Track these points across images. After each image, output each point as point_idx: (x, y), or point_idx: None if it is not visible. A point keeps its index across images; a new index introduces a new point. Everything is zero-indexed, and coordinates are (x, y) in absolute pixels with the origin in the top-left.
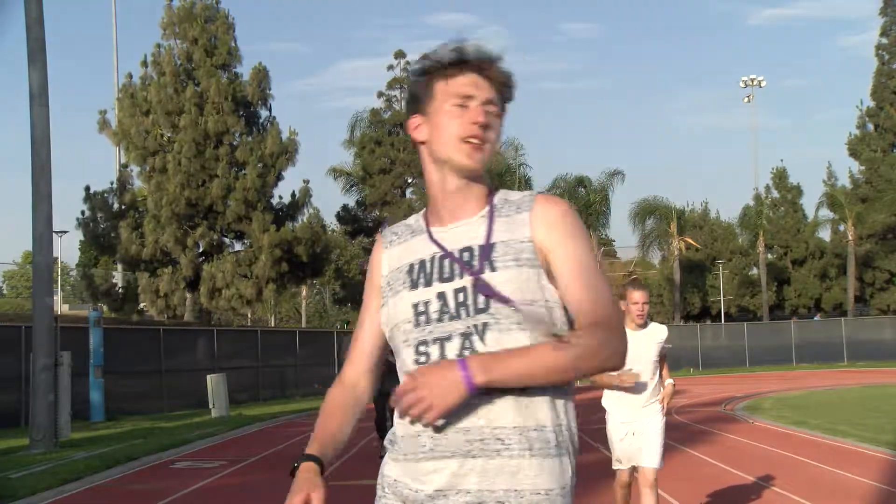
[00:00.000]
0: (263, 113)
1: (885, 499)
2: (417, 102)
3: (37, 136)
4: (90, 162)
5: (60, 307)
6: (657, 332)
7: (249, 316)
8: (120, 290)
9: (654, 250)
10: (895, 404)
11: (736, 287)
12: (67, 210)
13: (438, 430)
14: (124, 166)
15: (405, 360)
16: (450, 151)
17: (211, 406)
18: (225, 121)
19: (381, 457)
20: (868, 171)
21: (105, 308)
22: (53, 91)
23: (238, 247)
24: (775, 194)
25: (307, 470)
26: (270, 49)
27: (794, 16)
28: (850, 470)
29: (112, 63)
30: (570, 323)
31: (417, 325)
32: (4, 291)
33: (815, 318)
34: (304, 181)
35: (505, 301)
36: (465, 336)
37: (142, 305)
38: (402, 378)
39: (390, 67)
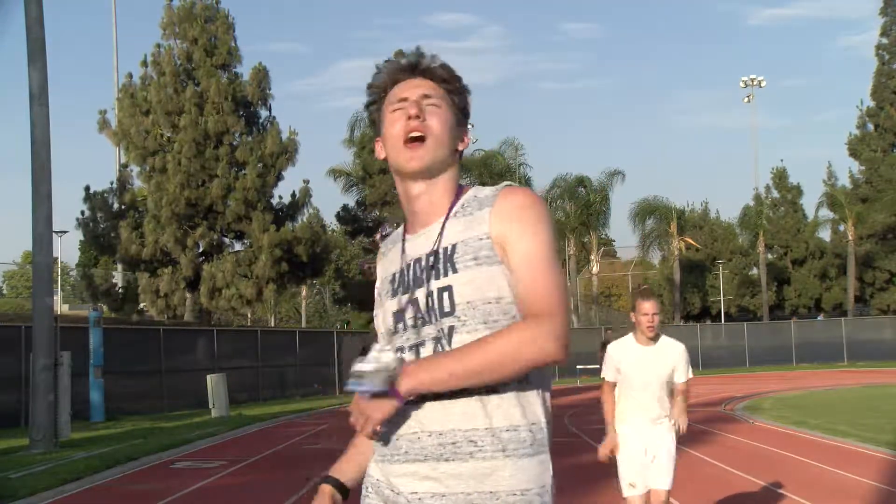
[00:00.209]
0: (263, 113)
1: (885, 499)
2: (377, 127)
3: (37, 136)
4: (90, 162)
5: (60, 307)
6: (670, 350)
7: (249, 316)
8: (120, 290)
9: (654, 250)
10: (895, 404)
11: (736, 287)
12: (67, 210)
13: (384, 438)
14: (124, 166)
15: None
16: (395, 159)
17: (211, 406)
18: (225, 121)
19: None
20: (868, 171)
21: (105, 308)
22: (53, 91)
23: (238, 247)
24: (775, 194)
25: (322, 496)
26: (270, 49)
27: (794, 16)
28: (850, 470)
29: (112, 63)
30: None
31: (396, 332)
32: (4, 291)
33: (818, 318)
34: (304, 181)
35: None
36: (437, 340)
37: (142, 305)
38: None
39: None
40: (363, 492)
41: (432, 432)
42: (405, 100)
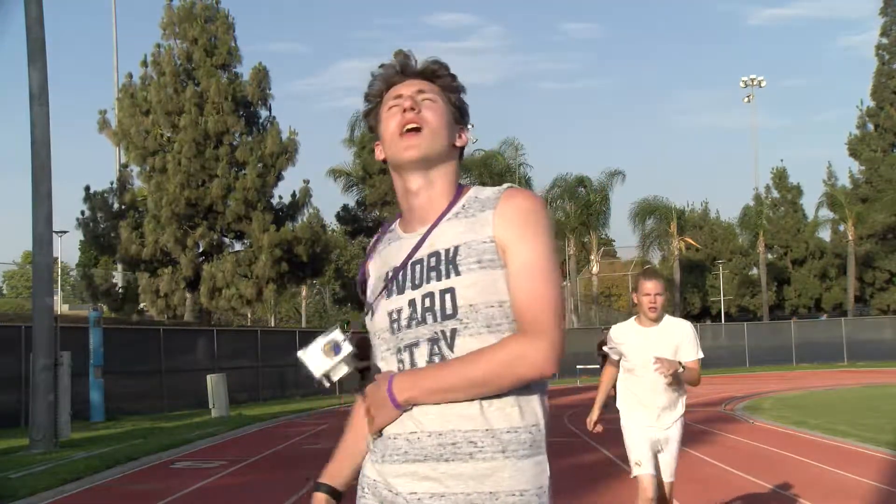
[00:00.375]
0: (263, 113)
1: (885, 499)
2: (375, 133)
3: (37, 136)
4: (90, 162)
5: (60, 307)
6: (675, 329)
7: (249, 316)
8: (120, 290)
9: (654, 250)
10: (895, 404)
11: (736, 287)
12: (67, 210)
13: (380, 437)
14: (124, 166)
15: (390, 368)
16: (392, 151)
17: (211, 406)
18: (225, 121)
19: None
20: (868, 171)
21: (105, 308)
22: (53, 91)
23: (238, 247)
24: (775, 194)
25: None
26: (270, 49)
27: (794, 16)
28: (850, 470)
29: (112, 63)
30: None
31: (392, 332)
32: (4, 291)
33: (822, 318)
34: (304, 181)
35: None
36: (433, 342)
37: (142, 305)
38: None
39: None
40: (359, 492)
41: (432, 432)
42: (400, 97)
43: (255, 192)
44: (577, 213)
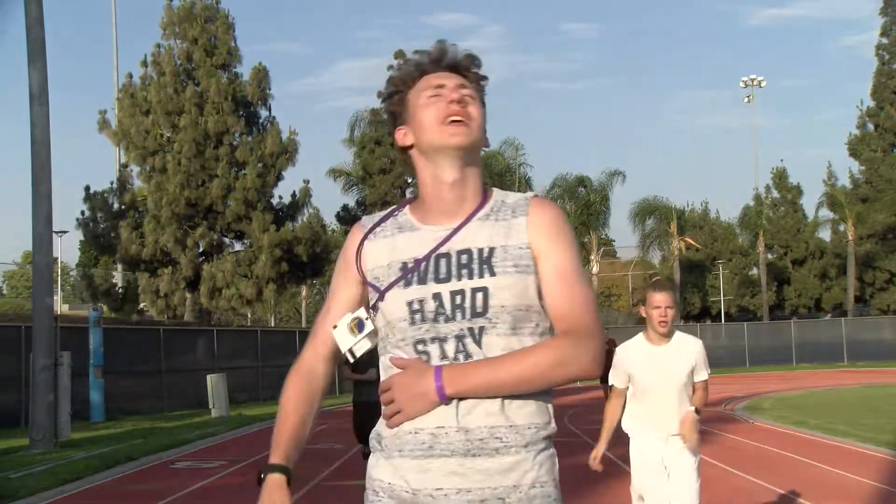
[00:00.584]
0: (263, 113)
1: (885, 499)
2: (397, 118)
3: (37, 136)
4: (90, 162)
5: (60, 307)
6: (686, 346)
7: (249, 316)
8: (120, 290)
9: (654, 250)
10: (895, 404)
11: (736, 287)
12: (67, 210)
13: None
14: (124, 166)
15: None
16: (435, 137)
17: (211, 406)
18: (225, 121)
19: (366, 455)
20: (868, 171)
21: (105, 308)
22: (53, 91)
23: (238, 247)
24: (775, 194)
25: (274, 487)
26: (270, 49)
27: (794, 16)
28: (850, 470)
29: (112, 63)
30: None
31: (413, 323)
32: (4, 291)
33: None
34: (304, 181)
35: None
36: (459, 339)
37: (142, 305)
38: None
39: (390, 67)
40: (370, 497)
41: (460, 428)
42: (442, 86)
43: (255, 192)
44: (577, 213)
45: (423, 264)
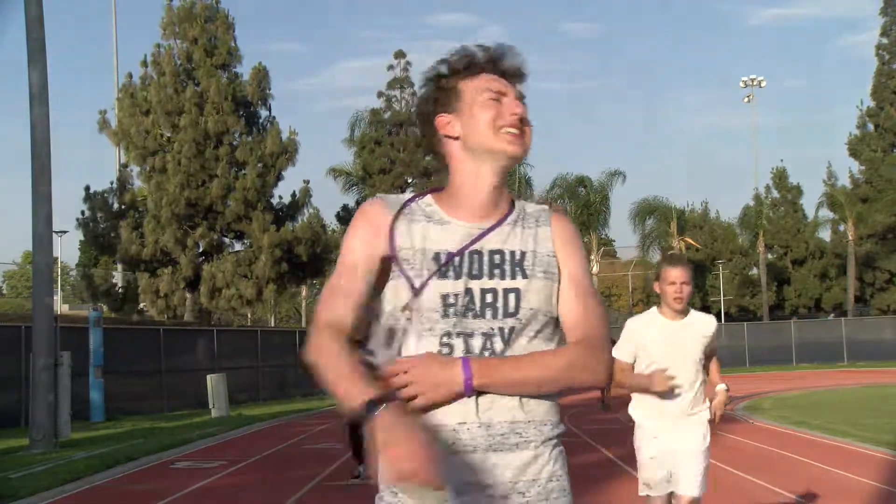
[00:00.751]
0: (263, 113)
1: (885, 499)
2: (441, 102)
3: (37, 136)
4: (90, 162)
5: (60, 307)
6: (702, 324)
7: (249, 316)
8: (120, 290)
9: (654, 250)
10: (895, 404)
11: (736, 287)
12: (67, 210)
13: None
14: (124, 166)
15: (424, 348)
16: (491, 141)
17: (211, 406)
18: (225, 121)
19: (356, 477)
20: (868, 171)
21: (105, 308)
22: (53, 91)
23: (238, 247)
24: (775, 194)
25: (400, 411)
26: (270, 49)
27: (794, 16)
28: (850, 470)
29: (112, 63)
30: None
31: (445, 315)
32: (4, 291)
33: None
34: (304, 181)
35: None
36: (487, 336)
37: (142, 305)
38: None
39: (390, 67)
40: (386, 497)
41: (481, 423)
42: (504, 94)
43: (255, 192)
44: (577, 213)
45: (456, 258)
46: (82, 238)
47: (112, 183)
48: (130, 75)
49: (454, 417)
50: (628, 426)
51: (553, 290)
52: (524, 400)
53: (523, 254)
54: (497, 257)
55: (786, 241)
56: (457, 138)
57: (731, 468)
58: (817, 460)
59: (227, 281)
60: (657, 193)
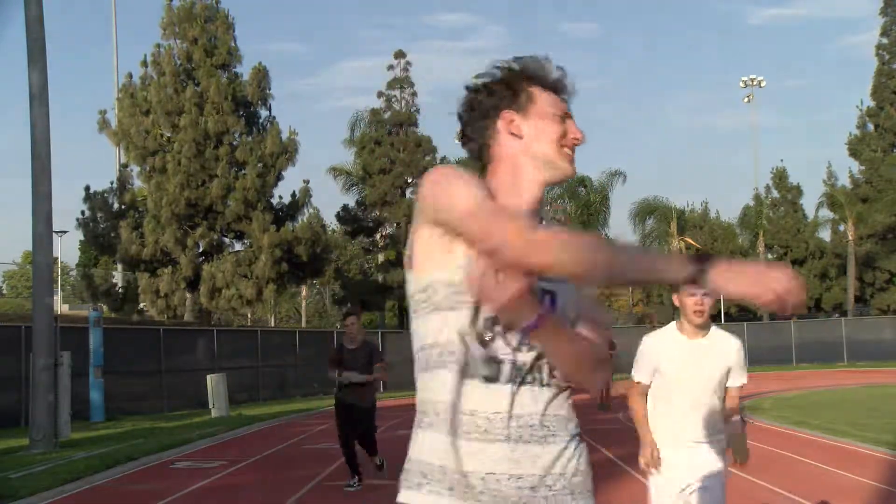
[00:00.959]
0: (263, 113)
1: (885, 499)
2: (511, 100)
3: (37, 136)
4: (90, 162)
5: (60, 307)
6: (724, 345)
7: (249, 316)
8: (120, 290)
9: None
10: (895, 404)
11: None
12: (67, 210)
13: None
14: (124, 166)
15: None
16: (554, 155)
17: (211, 406)
18: (225, 121)
19: (350, 486)
20: (868, 171)
21: (105, 308)
22: (53, 91)
23: (238, 247)
24: (775, 194)
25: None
26: (270, 49)
27: (794, 16)
28: (850, 470)
29: (112, 63)
30: None
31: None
32: (4, 291)
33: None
34: (304, 181)
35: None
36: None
37: (142, 305)
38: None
39: (390, 67)
40: (414, 480)
41: (513, 415)
42: (570, 118)
43: (255, 192)
44: (577, 212)
45: None
46: (82, 238)
47: (112, 183)
48: (130, 75)
49: (489, 406)
50: (628, 426)
51: None
52: (552, 396)
53: None
54: None
55: (786, 241)
56: (520, 138)
57: (731, 468)
58: (817, 460)
59: (227, 281)
60: (657, 193)
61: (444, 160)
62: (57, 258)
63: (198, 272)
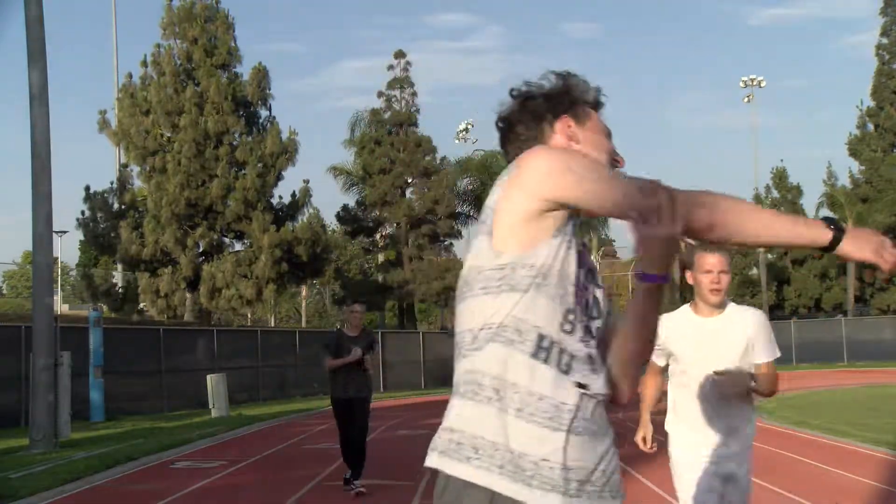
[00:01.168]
0: (263, 113)
1: (885, 499)
2: (569, 109)
3: (37, 136)
4: (90, 162)
5: (60, 307)
6: (743, 319)
7: (249, 316)
8: (120, 290)
9: None
10: (895, 404)
11: (736, 287)
12: (67, 210)
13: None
14: (124, 166)
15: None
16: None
17: (211, 406)
18: (225, 121)
19: (347, 479)
20: (868, 171)
21: (105, 308)
22: (53, 91)
23: (238, 247)
24: (775, 194)
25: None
26: (270, 49)
27: (794, 16)
28: (850, 470)
29: (112, 63)
30: None
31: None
32: (4, 291)
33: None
34: (304, 181)
35: None
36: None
37: (142, 305)
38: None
39: (390, 67)
40: (462, 451)
41: (580, 407)
42: (610, 135)
43: (255, 192)
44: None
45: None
46: (82, 238)
47: (112, 183)
48: (130, 75)
49: (559, 395)
50: (628, 425)
51: None
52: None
53: None
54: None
55: None
56: (577, 143)
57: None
58: (817, 460)
59: (227, 281)
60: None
61: (443, 160)
62: (57, 258)
63: (198, 272)
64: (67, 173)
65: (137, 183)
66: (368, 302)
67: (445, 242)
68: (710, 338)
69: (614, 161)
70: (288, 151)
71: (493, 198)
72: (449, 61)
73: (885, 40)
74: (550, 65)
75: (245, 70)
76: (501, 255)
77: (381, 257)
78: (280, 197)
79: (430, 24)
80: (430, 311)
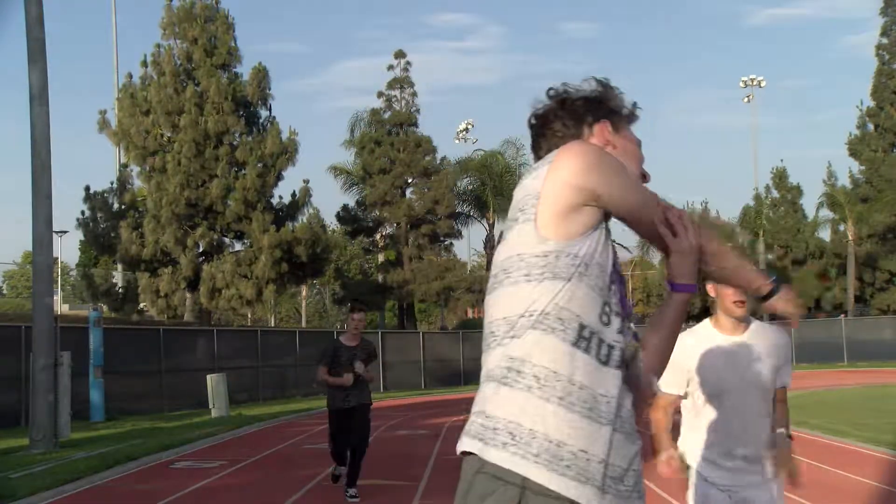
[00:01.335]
0: (263, 113)
1: (885, 499)
2: (607, 114)
3: (37, 136)
4: (90, 162)
5: (60, 307)
6: (771, 338)
7: (249, 316)
8: (120, 290)
9: (654, 250)
10: (895, 404)
11: None
12: (67, 210)
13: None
14: (124, 166)
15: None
16: (637, 175)
17: (211, 406)
18: (225, 121)
19: (336, 475)
20: (868, 171)
21: (105, 308)
22: (53, 91)
23: (238, 247)
24: (775, 194)
25: None
26: (270, 49)
27: (794, 16)
28: (850, 470)
29: (112, 63)
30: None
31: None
32: (4, 291)
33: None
34: (304, 181)
35: None
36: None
37: (142, 305)
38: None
39: (390, 67)
40: (499, 438)
41: (622, 403)
42: (640, 145)
43: (255, 192)
44: None
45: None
46: (82, 238)
47: (112, 183)
48: (130, 75)
49: (600, 386)
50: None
51: None
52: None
53: None
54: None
55: (786, 241)
56: (614, 148)
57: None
58: (817, 460)
59: (227, 281)
60: (657, 193)
61: (443, 160)
62: (57, 258)
63: (198, 272)
64: (67, 173)
65: (137, 183)
66: (368, 302)
67: (445, 242)
68: (738, 358)
69: (643, 175)
70: (288, 151)
71: (533, 186)
72: (449, 61)
73: (885, 40)
74: (550, 65)
75: (245, 70)
76: (547, 242)
77: (381, 257)
78: (280, 197)
79: (429, 24)
80: (430, 311)
